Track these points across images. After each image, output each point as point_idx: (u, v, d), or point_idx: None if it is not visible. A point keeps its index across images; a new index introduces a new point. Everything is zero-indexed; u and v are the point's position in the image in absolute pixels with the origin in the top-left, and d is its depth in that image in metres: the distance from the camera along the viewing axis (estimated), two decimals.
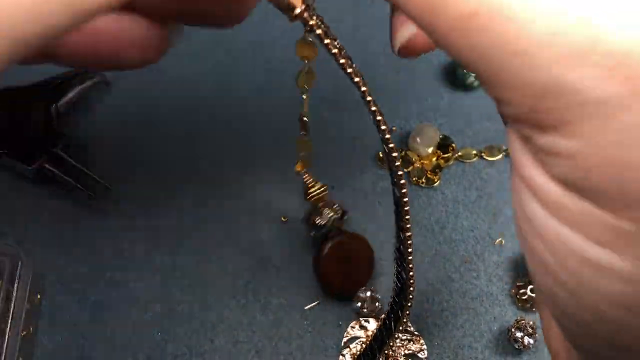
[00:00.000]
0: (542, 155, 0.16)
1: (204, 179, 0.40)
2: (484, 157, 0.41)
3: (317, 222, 0.36)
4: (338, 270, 0.36)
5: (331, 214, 0.36)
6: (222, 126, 0.42)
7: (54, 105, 0.40)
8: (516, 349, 0.36)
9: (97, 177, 0.38)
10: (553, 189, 0.16)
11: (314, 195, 0.35)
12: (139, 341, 0.35)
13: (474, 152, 0.41)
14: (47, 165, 0.38)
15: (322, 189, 0.36)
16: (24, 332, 0.34)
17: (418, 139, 0.40)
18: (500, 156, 0.41)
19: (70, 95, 0.41)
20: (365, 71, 0.45)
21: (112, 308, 0.36)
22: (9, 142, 0.38)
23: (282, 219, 0.39)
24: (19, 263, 0.34)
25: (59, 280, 0.37)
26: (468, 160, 0.41)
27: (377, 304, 0.37)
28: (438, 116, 0.43)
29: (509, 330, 0.36)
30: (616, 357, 0.17)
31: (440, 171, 0.41)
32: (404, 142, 0.41)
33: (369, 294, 0.36)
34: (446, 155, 0.41)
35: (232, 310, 0.37)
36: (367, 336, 0.36)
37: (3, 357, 0.32)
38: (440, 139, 0.41)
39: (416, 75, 0.44)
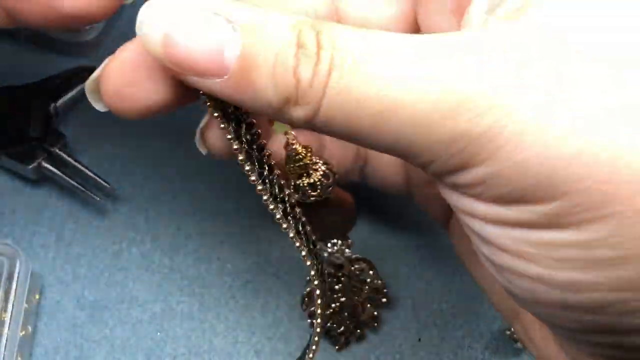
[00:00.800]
0: (464, 189, 0.21)
1: (204, 178, 0.40)
2: None
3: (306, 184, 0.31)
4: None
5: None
6: None
7: (53, 105, 0.40)
8: (516, 349, 0.36)
9: (99, 177, 0.38)
10: (481, 207, 0.21)
11: (299, 160, 0.32)
12: (138, 341, 0.35)
13: None
14: (45, 165, 0.38)
15: (309, 149, 0.32)
16: (23, 332, 0.33)
17: None
18: None
19: (70, 94, 0.41)
20: None
21: (111, 308, 0.36)
22: (8, 142, 0.38)
23: None
24: (18, 262, 0.34)
25: (58, 280, 0.37)
26: None
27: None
28: None
29: (509, 330, 0.36)
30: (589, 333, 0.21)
31: None
32: None
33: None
34: None
35: (231, 310, 0.36)
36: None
37: (2, 358, 0.32)
38: None
39: None
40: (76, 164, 0.38)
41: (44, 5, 0.27)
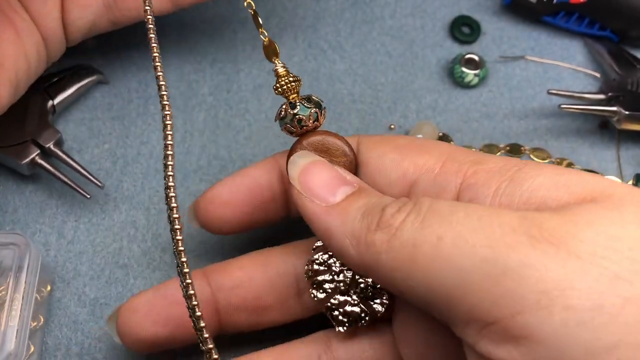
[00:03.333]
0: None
1: (201, 176, 0.40)
2: None
3: (297, 115, 0.30)
4: None
5: (311, 106, 0.31)
6: (221, 124, 0.42)
7: (51, 102, 0.40)
8: None
9: (90, 175, 0.38)
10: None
11: (286, 84, 0.32)
12: None
13: (473, 150, 0.41)
14: (39, 161, 0.38)
15: (295, 80, 0.32)
16: (35, 323, 0.33)
17: (417, 137, 0.41)
18: (498, 154, 0.41)
19: (68, 92, 0.41)
20: (363, 69, 0.46)
21: (112, 305, 0.36)
22: (4, 137, 0.38)
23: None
24: (28, 252, 0.34)
25: (59, 277, 0.37)
26: None
27: None
28: (437, 114, 0.43)
29: None
30: None
31: None
32: None
33: None
34: None
35: None
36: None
37: (15, 348, 0.32)
38: (439, 136, 0.41)
39: (415, 73, 0.44)
40: (70, 160, 0.38)
41: None
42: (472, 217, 0.23)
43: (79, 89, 0.41)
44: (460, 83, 0.43)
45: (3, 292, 0.33)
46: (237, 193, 0.33)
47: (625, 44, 0.45)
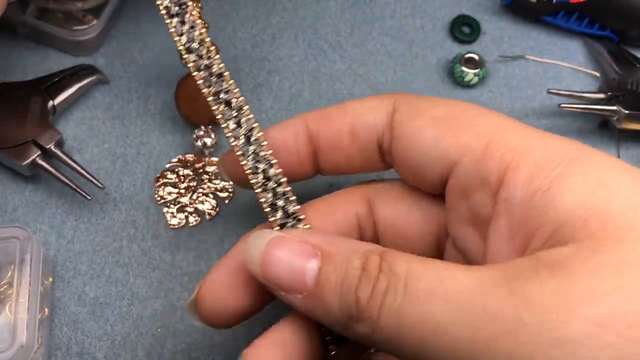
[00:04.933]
0: None
1: None
2: None
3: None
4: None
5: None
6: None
7: (51, 103, 0.40)
8: None
9: (91, 176, 0.38)
10: None
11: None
12: (138, 337, 0.35)
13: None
14: (40, 162, 0.38)
15: (204, 24, 0.33)
16: (40, 315, 0.33)
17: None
18: None
19: (68, 92, 0.41)
20: (364, 69, 0.46)
21: (112, 304, 0.36)
22: (4, 138, 0.38)
23: None
24: (30, 244, 0.34)
25: (59, 277, 0.37)
26: None
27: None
28: None
29: None
30: None
31: None
32: None
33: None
34: None
35: None
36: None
37: (25, 340, 0.31)
38: None
39: (415, 73, 0.44)
40: (70, 162, 0.38)
41: None
42: (451, 304, 0.22)
43: (79, 89, 0.42)
44: (460, 83, 0.43)
45: (6, 286, 0.33)
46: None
47: (625, 43, 0.45)
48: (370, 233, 0.30)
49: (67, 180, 0.38)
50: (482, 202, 0.27)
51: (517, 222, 0.25)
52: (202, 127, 0.40)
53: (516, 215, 0.25)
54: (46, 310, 0.35)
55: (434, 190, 0.29)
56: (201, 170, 0.40)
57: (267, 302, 0.29)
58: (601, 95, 0.41)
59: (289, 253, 0.25)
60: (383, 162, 0.30)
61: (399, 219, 0.30)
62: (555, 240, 0.23)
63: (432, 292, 0.22)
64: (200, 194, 0.39)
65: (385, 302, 0.23)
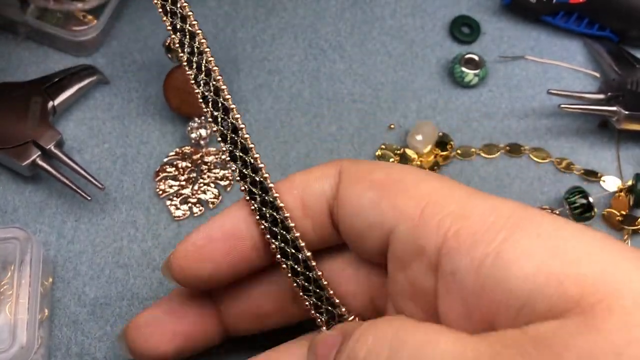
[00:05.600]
0: None
1: None
2: (483, 155, 0.41)
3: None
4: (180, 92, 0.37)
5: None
6: None
7: (51, 103, 0.40)
8: None
9: (91, 176, 0.38)
10: None
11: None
12: None
13: (473, 149, 0.41)
14: (40, 162, 0.38)
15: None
16: (40, 315, 0.33)
17: (417, 137, 0.41)
18: (498, 154, 0.41)
19: (68, 92, 0.41)
20: (364, 69, 0.46)
21: (112, 305, 0.36)
22: (4, 138, 0.38)
23: None
24: (30, 245, 0.34)
25: (59, 277, 0.37)
26: (466, 158, 0.41)
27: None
28: (437, 113, 0.43)
29: None
30: None
31: (438, 169, 0.41)
32: (403, 139, 0.42)
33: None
34: (445, 152, 0.41)
35: None
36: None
37: (26, 341, 0.31)
38: (439, 136, 0.41)
39: (415, 73, 0.44)
40: (70, 162, 0.38)
41: None
42: None
43: (79, 89, 0.41)
44: (460, 83, 0.43)
45: (6, 286, 0.33)
46: (213, 244, 0.29)
47: (625, 44, 0.45)
48: None
49: (67, 181, 0.38)
50: (420, 274, 0.25)
51: (470, 296, 0.23)
52: (196, 119, 0.40)
53: (468, 289, 0.23)
54: (46, 310, 0.35)
55: (377, 259, 0.28)
56: (200, 161, 0.40)
57: (237, 277, 0.30)
58: (601, 96, 0.41)
59: None
60: (337, 233, 0.29)
61: (336, 274, 0.30)
62: (531, 313, 0.21)
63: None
64: (202, 184, 0.39)
65: None
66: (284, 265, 0.28)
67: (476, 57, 0.44)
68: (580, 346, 0.19)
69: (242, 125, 0.29)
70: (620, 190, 0.39)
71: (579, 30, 0.45)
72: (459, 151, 0.41)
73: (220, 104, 0.29)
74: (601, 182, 0.40)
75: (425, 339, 0.22)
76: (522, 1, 0.45)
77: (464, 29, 0.46)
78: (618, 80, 0.42)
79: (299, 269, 0.28)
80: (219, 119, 0.29)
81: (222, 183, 0.40)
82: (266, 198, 0.28)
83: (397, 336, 0.22)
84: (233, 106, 0.29)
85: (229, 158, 0.29)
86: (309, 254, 0.28)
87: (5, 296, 0.33)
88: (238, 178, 0.29)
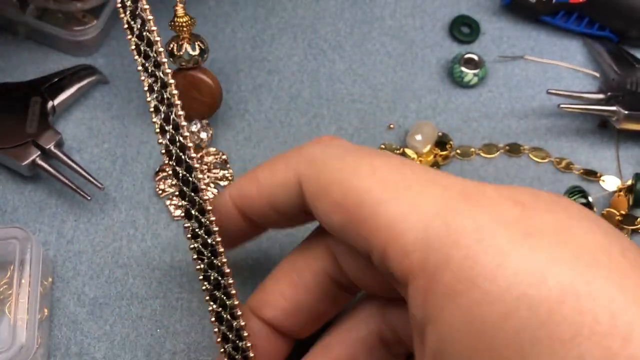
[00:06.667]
0: None
1: None
2: (482, 154, 0.41)
3: (177, 53, 0.38)
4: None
5: (194, 51, 0.37)
6: (219, 123, 0.42)
7: (51, 103, 0.40)
8: None
9: (91, 176, 0.38)
10: None
11: (180, 24, 0.37)
12: (138, 337, 0.35)
13: (472, 149, 0.41)
14: (40, 162, 0.38)
15: (190, 20, 0.37)
16: (40, 315, 0.33)
17: (416, 137, 0.41)
18: (498, 154, 0.41)
19: (68, 92, 0.41)
20: (363, 69, 0.46)
21: (111, 304, 0.36)
22: (4, 138, 0.38)
23: None
24: (29, 245, 0.34)
25: (59, 277, 0.37)
26: (466, 158, 0.41)
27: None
28: (436, 113, 0.43)
29: None
30: None
31: (438, 168, 0.41)
32: (402, 139, 0.42)
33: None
34: (444, 152, 0.41)
35: None
36: None
37: (25, 342, 0.31)
38: (439, 136, 0.41)
39: (414, 73, 0.44)
40: (70, 162, 0.38)
41: None
42: None
43: (79, 89, 0.42)
44: (459, 83, 0.43)
45: (6, 286, 0.33)
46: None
47: (625, 44, 0.45)
48: (345, 282, 0.29)
49: (66, 181, 0.38)
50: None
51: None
52: (196, 121, 0.40)
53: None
54: (46, 310, 0.35)
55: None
56: (200, 161, 0.40)
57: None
58: (600, 96, 0.41)
59: None
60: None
61: (359, 272, 0.28)
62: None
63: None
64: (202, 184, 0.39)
65: None
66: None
67: (476, 57, 0.44)
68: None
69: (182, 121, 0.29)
70: (620, 190, 0.39)
71: (579, 30, 0.45)
72: (458, 151, 0.41)
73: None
74: (601, 182, 0.40)
75: None
76: (521, 1, 0.45)
77: (463, 29, 0.46)
78: (618, 80, 0.42)
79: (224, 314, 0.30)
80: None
81: (222, 183, 0.40)
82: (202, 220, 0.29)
83: None
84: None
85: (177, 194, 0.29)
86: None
87: (5, 296, 0.33)
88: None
